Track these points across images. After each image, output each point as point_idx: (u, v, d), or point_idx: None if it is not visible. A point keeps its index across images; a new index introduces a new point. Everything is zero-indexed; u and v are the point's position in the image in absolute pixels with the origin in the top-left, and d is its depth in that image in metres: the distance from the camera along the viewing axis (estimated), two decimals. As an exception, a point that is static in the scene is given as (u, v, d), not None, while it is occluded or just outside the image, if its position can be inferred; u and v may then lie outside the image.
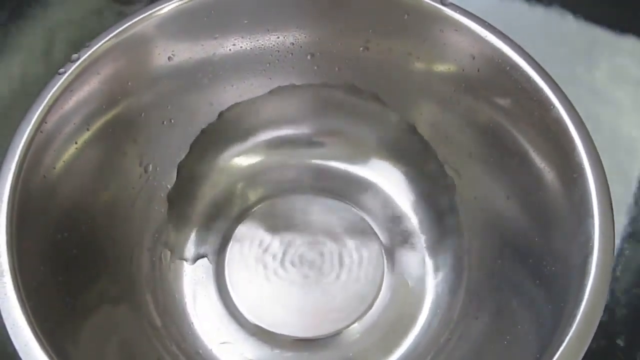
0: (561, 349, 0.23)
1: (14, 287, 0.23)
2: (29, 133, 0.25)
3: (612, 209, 0.24)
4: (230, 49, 0.31)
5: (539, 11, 0.37)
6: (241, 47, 0.31)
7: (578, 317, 0.23)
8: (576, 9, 0.37)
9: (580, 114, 0.26)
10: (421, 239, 0.32)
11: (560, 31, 0.37)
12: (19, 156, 0.25)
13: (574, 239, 0.25)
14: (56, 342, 0.23)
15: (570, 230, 0.25)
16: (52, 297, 0.25)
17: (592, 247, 0.24)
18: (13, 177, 0.25)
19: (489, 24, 0.29)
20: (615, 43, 0.36)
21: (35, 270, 0.24)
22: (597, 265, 0.23)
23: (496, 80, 0.29)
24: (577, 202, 0.25)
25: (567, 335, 0.23)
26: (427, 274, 0.31)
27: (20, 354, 0.21)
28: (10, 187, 0.24)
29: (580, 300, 0.23)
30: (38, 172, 0.26)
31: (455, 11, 0.29)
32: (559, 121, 0.26)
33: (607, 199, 0.24)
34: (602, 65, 0.36)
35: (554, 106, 0.27)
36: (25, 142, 0.25)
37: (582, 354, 0.22)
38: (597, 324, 0.23)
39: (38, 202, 0.26)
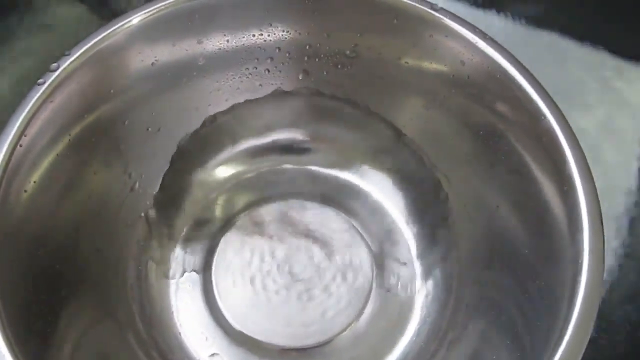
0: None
1: (-6, 310, 0.22)
2: (7, 148, 0.25)
3: (602, 223, 0.24)
4: (215, 54, 0.30)
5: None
6: (227, 51, 0.31)
7: (569, 331, 0.23)
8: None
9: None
10: (410, 247, 0.32)
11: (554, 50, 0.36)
12: (-2, 172, 0.24)
13: (563, 252, 0.25)
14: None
15: (559, 244, 0.25)
16: (34, 318, 0.24)
17: (581, 264, 0.23)
18: (-8, 194, 0.24)
19: (479, 29, 0.28)
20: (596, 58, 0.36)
21: (16, 290, 0.24)
22: (587, 281, 0.23)
23: (486, 87, 0.28)
24: (567, 215, 0.25)
25: (557, 351, 0.23)
26: (416, 282, 0.31)
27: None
28: (-11, 205, 0.24)
29: (570, 315, 0.23)
30: (19, 187, 0.25)
31: (446, 16, 0.28)
32: (549, 132, 0.26)
33: (597, 213, 0.24)
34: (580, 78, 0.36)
35: (544, 116, 0.26)
36: (3, 158, 0.24)
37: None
38: (587, 340, 0.23)
39: (18, 218, 0.25)
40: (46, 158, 0.26)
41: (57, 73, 0.26)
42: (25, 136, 0.25)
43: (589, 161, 0.25)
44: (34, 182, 0.26)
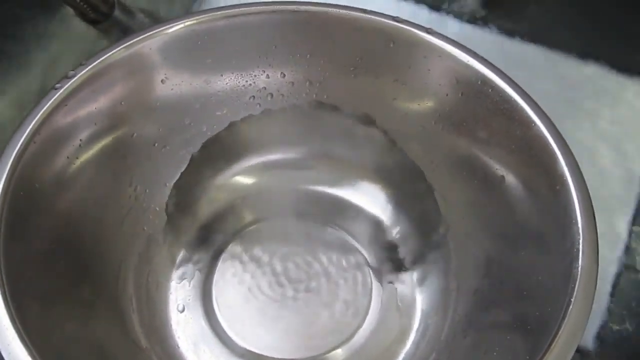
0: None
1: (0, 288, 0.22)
2: (22, 142, 0.26)
3: (594, 215, 0.25)
4: (222, 74, 0.32)
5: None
6: (232, 73, 0.32)
7: (566, 320, 0.23)
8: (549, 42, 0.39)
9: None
10: (409, 262, 0.32)
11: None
12: (12, 163, 0.25)
13: (559, 246, 0.25)
14: (39, 346, 0.22)
15: (555, 239, 0.26)
16: (37, 303, 0.24)
17: (577, 252, 0.24)
18: (5, 183, 0.25)
19: (470, 49, 0.30)
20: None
21: (22, 275, 0.24)
22: (582, 268, 0.24)
23: (478, 102, 0.30)
24: (561, 211, 0.26)
25: (554, 341, 0.23)
26: (414, 295, 0.31)
27: (3, 353, 0.21)
28: (2, 193, 0.24)
29: (569, 302, 0.23)
30: (30, 182, 0.26)
31: (439, 38, 0.30)
32: (540, 137, 0.27)
33: (589, 206, 0.25)
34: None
35: (534, 123, 0.28)
36: (18, 151, 0.26)
37: (571, 355, 0.23)
38: (585, 326, 0.23)
39: (28, 211, 0.26)
40: (59, 160, 0.28)
41: (72, 80, 0.28)
42: (39, 134, 0.26)
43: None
44: (45, 179, 0.27)
